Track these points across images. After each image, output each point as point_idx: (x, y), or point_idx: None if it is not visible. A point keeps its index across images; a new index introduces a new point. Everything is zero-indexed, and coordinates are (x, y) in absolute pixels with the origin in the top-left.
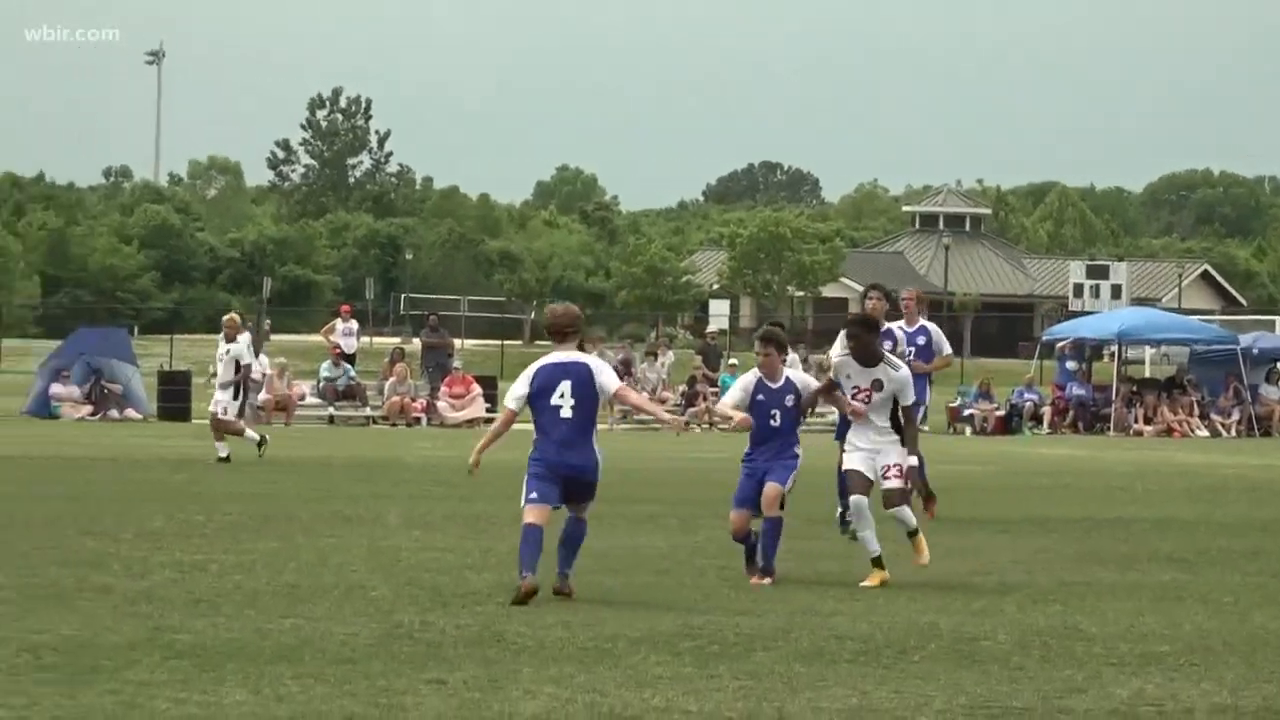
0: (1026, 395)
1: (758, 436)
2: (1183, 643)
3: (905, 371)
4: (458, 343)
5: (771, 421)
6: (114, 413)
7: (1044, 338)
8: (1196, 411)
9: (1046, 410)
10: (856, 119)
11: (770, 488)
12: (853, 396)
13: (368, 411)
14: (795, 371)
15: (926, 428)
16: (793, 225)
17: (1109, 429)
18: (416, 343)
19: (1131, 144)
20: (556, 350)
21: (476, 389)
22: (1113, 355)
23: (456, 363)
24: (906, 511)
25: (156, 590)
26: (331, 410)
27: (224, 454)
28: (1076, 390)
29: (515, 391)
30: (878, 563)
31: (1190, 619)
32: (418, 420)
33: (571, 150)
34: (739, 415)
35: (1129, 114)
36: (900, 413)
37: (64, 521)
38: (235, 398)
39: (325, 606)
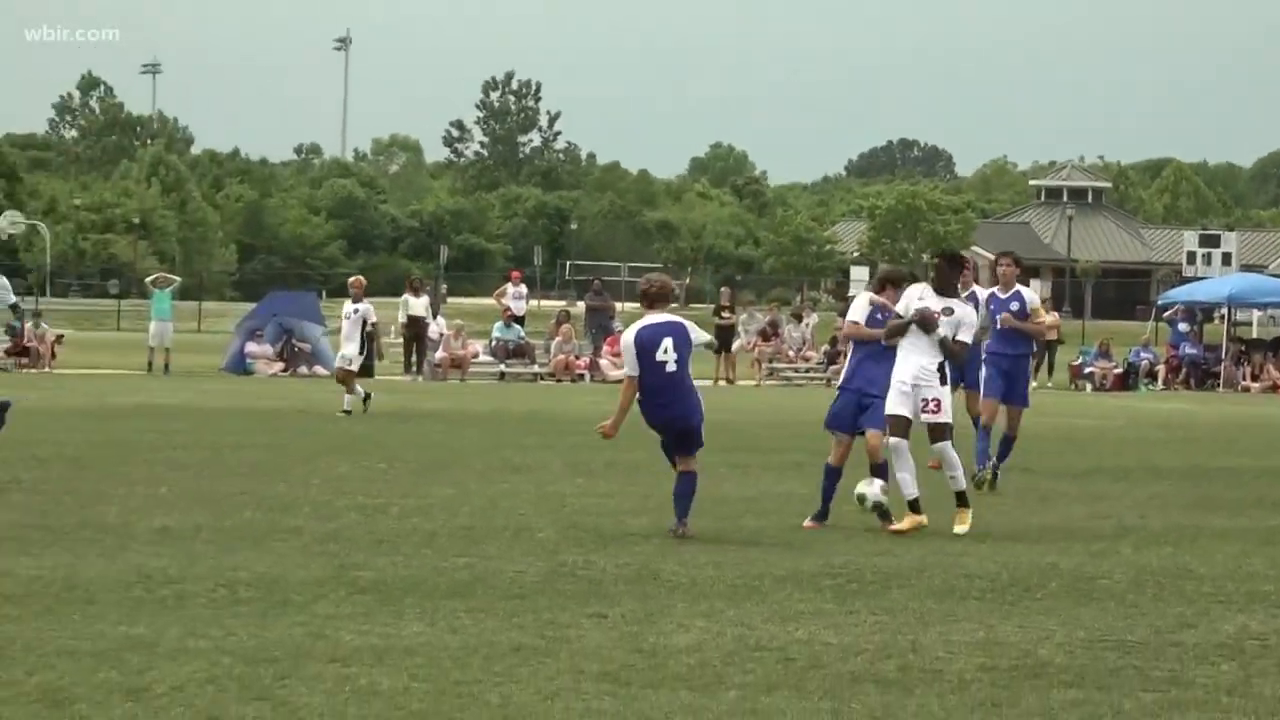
0: (1143, 354)
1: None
2: None
3: (971, 310)
4: (618, 305)
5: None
6: (303, 369)
7: (1159, 301)
8: None
9: (1161, 368)
10: (987, 99)
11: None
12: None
13: (536, 369)
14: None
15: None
16: (927, 198)
17: (1219, 385)
18: (581, 305)
19: (1242, 122)
20: (648, 315)
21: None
22: (1223, 317)
23: (617, 324)
24: (949, 451)
25: (342, 531)
26: (502, 367)
27: (347, 407)
28: (1189, 350)
29: (628, 361)
30: (913, 506)
31: None
32: (581, 377)
33: (724, 128)
34: None
35: (1240, 94)
36: (944, 347)
37: (258, 469)
38: (361, 353)
39: (496, 546)
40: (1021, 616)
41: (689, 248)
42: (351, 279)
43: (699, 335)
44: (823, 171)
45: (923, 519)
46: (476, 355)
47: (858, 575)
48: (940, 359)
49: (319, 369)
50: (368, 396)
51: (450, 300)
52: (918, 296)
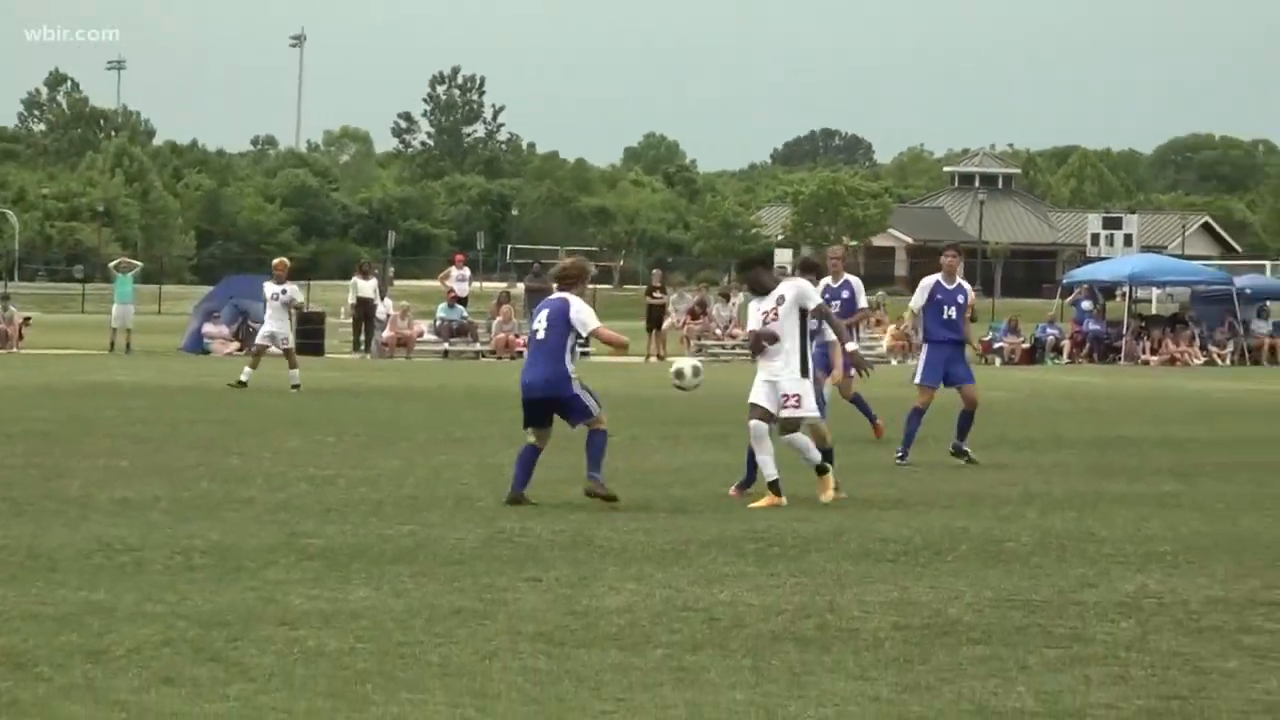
0: (1049, 330)
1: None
2: (1181, 544)
3: (802, 284)
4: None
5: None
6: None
7: (1064, 280)
8: (1196, 344)
9: (1066, 343)
10: (905, 90)
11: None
12: (763, 321)
13: (478, 347)
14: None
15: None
16: (848, 184)
17: (1120, 359)
18: (521, 287)
19: (1143, 111)
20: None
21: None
22: (1124, 295)
23: None
24: (801, 440)
25: (292, 501)
26: (446, 346)
27: (296, 381)
28: (1092, 326)
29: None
30: (774, 487)
31: (1187, 523)
32: (520, 354)
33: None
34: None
35: (1141, 84)
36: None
37: (213, 443)
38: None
39: (438, 515)
40: (933, 578)
41: (623, 232)
42: (275, 261)
43: (580, 318)
44: (749, 160)
45: (782, 500)
46: (422, 334)
47: (779, 540)
48: (798, 356)
49: (272, 349)
50: (241, 382)
51: (397, 283)
52: (755, 308)
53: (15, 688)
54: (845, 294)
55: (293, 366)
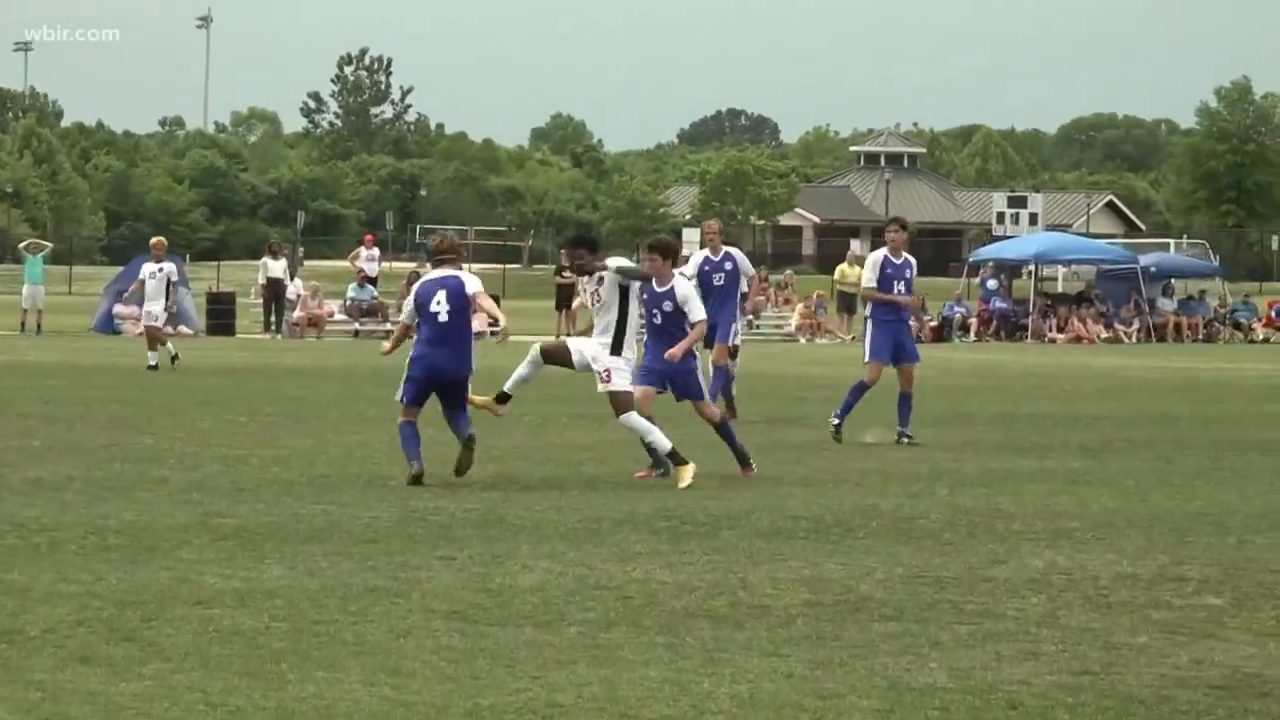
0: (956, 308)
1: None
2: (1090, 520)
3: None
4: (466, 267)
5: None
6: (168, 328)
7: (971, 259)
8: (1102, 322)
9: (973, 321)
10: (811, 70)
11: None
12: (592, 301)
13: (388, 326)
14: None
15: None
16: (754, 163)
17: (1027, 337)
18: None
19: (1046, 91)
20: (434, 270)
21: None
22: (1030, 273)
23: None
24: (632, 420)
25: (205, 481)
26: (357, 326)
27: (153, 363)
28: (999, 304)
29: (406, 310)
30: (673, 456)
31: (1097, 500)
32: None
33: (563, 99)
34: None
35: (1044, 64)
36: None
37: (126, 422)
38: (166, 310)
39: (351, 494)
40: (844, 555)
41: (532, 212)
42: (153, 240)
43: (475, 287)
44: (656, 140)
45: (689, 465)
46: (332, 314)
47: (690, 517)
48: (613, 334)
49: (183, 328)
50: (175, 357)
51: (307, 263)
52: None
53: None
54: (729, 265)
55: (153, 348)
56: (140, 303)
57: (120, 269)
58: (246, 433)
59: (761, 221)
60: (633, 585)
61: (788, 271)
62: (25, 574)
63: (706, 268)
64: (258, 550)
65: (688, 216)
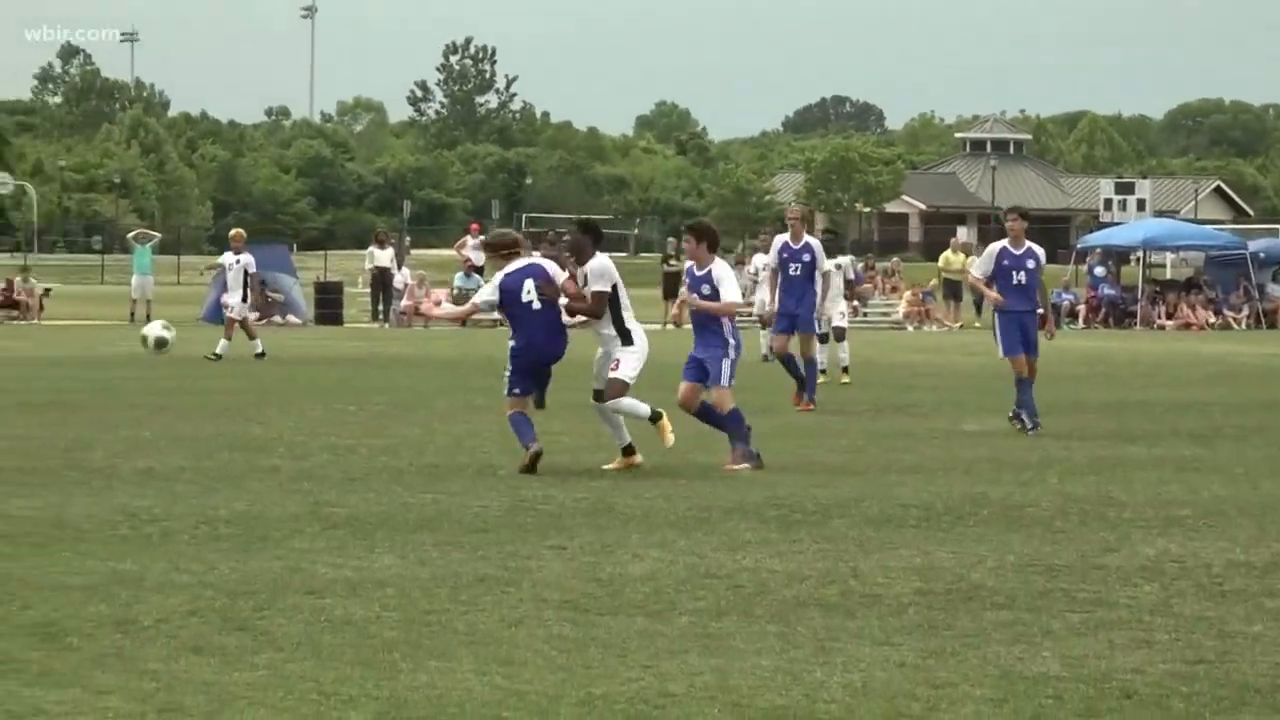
0: (1064, 296)
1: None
2: (1201, 508)
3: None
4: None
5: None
6: (277, 318)
7: (1078, 245)
8: (1211, 308)
9: (1082, 308)
10: (916, 56)
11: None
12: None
13: (495, 315)
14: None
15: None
16: (860, 150)
17: (1135, 324)
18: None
19: (1153, 77)
20: (510, 264)
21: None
22: (1138, 260)
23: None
24: (626, 403)
25: (315, 470)
26: None
27: (260, 350)
28: (1107, 291)
29: (485, 293)
30: (653, 417)
31: (1208, 487)
32: None
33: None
34: None
35: (1150, 50)
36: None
37: (236, 412)
38: (244, 301)
39: (460, 483)
40: (955, 543)
41: (637, 200)
42: (231, 232)
43: (556, 270)
44: (760, 127)
45: (637, 459)
46: (439, 303)
47: (799, 506)
48: (609, 323)
49: (291, 318)
50: (263, 354)
51: (413, 252)
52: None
53: (47, 658)
54: (806, 257)
55: (252, 336)
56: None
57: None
58: (355, 422)
59: (867, 209)
60: (743, 574)
61: (894, 259)
62: (138, 564)
63: (785, 254)
64: (368, 539)
65: (793, 204)
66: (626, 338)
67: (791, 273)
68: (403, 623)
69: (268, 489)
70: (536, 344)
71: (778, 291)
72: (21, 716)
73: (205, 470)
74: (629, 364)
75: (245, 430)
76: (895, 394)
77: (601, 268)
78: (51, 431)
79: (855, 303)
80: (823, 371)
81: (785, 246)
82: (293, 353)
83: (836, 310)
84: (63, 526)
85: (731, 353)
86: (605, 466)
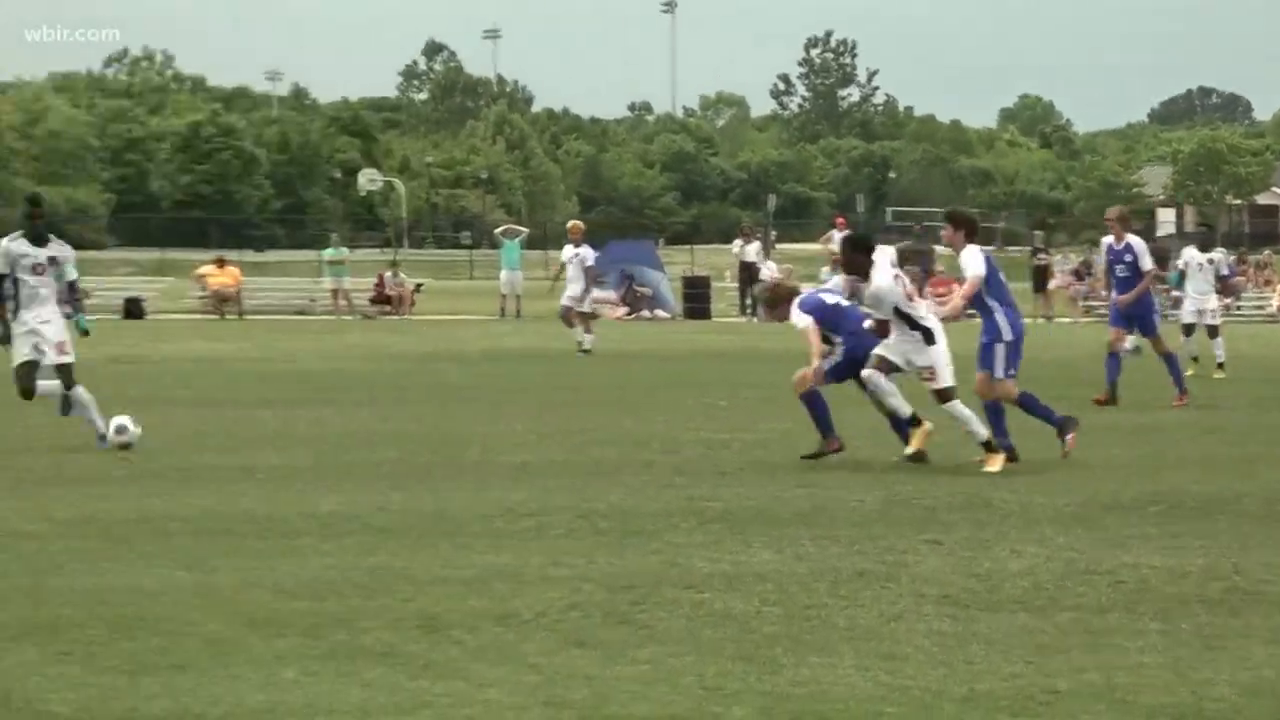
0: None
1: None
2: None
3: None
4: (938, 249)
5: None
6: (645, 313)
7: None
8: None
9: None
10: None
11: None
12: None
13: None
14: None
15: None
16: (1228, 142)
17: None
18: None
19: None
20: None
21: (956, 288)
22: None
23: (939, 266)
24: (958, 408)
25: (688, 465)
26: None
27: (586, 346)
28: None
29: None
30: (914, 420)
31: None
32: None
33: (1031, 80)
34: None
35: None
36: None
37: (607, 406)
38: (585, 293)
39: (834, 478)
40: None
41: (1002, 193)
42: (569, 224)
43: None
44: (1125, 119)
45: (928, 426)
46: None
47: (1179, 502)
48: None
49: (660, 312)
50: (586, 350)
51: (779, 246)
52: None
53: (430, 650)
54: (1128, 257)
55: (587, 331)
56: (619, 285)
57: (595, 253)
58: (726, 415)
59: (1237, 201)
60: (1124, 570)
61: (1266, 251)
62: (516, 557)
63: (1110, 256)
64: (744, 534)
65: (1161, 196)
66: (928, 337)
67: (1119, 274)
68: (783, 618)
69: (642, 483)
70: (864, 342)
71: (1111, 292)
72: (407, 708)
73: (579, 464)
74: (941, 372)
75: (617, 424)
76: (1273, 388)
77: (882, 283)
78: (427, 426)
79: (1228, 299)
80: (1194, 359)
81: (1109, 249)
82: (663, 347)
83: (1208, 306)
84: (441, 520)
85: (1004, 337)
86: (976, 461)
